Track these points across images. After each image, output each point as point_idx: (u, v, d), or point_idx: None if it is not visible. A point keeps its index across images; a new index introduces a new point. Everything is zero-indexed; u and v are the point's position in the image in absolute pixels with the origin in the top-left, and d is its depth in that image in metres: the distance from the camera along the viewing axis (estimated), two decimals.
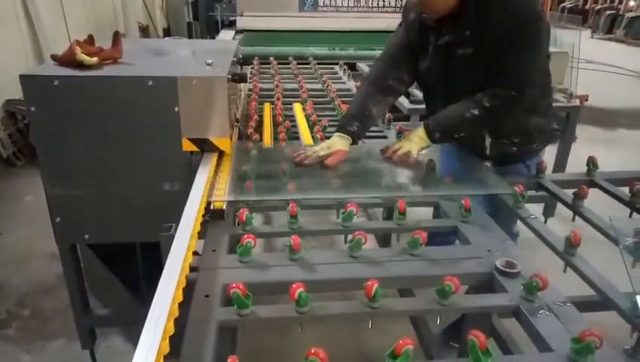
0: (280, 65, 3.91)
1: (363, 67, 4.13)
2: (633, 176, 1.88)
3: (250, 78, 3.40)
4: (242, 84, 3.15)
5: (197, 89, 1.68)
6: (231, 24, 6.39)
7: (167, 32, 10.83)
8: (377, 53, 4.32)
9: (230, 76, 1.81)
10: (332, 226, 1.51)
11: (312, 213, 1.91)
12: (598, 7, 16.61)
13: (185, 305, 1.06)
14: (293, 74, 3.60)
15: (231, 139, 1.84)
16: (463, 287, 1.16)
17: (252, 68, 3.76)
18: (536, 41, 1.66)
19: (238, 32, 5.89)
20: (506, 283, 1.21)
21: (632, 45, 13.90)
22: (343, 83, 3.47)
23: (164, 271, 1.09)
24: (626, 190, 1.76)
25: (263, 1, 6.37)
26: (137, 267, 2.05)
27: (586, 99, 5.60)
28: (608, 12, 15.71)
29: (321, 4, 6.45)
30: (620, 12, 15.36)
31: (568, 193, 1.74)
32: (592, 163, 1.88)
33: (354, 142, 1.85)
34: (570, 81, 6.02)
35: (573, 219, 1.67)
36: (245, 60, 4.07)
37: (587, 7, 17.49)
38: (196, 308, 1.09)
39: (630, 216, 1.68)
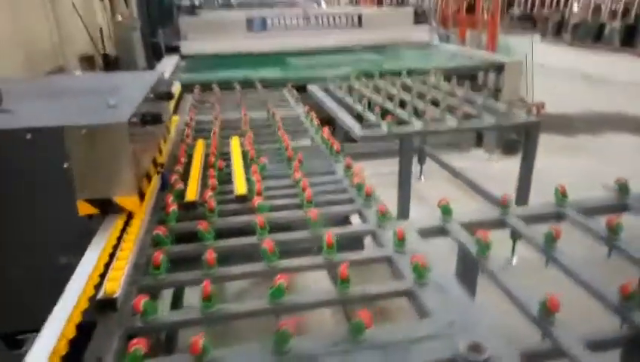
0: (225, 92, 3.64)
1: (314, 90, 3.90)
2: (607, 204, 1.68)
3: (190, 110, 3.11)
4: (176, 117, 2.86)
5: (90, 139, 1.38)
6: (177, 49, 6.05)
7: (116, 62, 10.38)
8: (329, 73, 4.17)
9: (135, 119, 1.51)
10: (259, 306, 1.22)
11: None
12: (546, 12, 17.13)
13: None
14: (236, 102, 3.32)
15: (141, 195, 1.53)
16: None
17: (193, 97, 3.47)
18: None
19: (183, 57, 5.59)
20: None
21: (580, 47, 14.35)
22: (291, 109, 3.22)
23: None
24: (601, 220, 1.54)
25: (209, 25, 6.10)
26: None
27: (543, 107, 5.55)
28: (555, 17, 16.23)
29: (269, 24, 6.23)
30: (566, 16, 15.88)
31: (539, 229, 1.51)
32: (560, 192, 1.66)
33: None
34: (527, 90, 5.99)
35: (546, 265, 1.44)
36: (187, 88, 3.78)
37: (535, 12, 18.04)
38: None
39: (609, 255, 1.47)
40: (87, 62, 8.71)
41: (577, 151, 5.67)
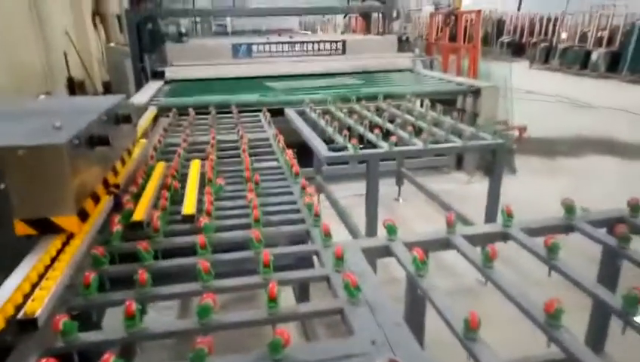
0: (200, 116, 3.67)
1: (290, 113, 3.94)
2: (552, 225, 1.69)
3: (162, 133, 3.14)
4: (143, 140, 2.87)
5: (27, 161, 1.38)
6: (162, 74, 6.12)
7: (108, 86, 10.49)
8: (306, 98, 4.21)
9: (78, 141, 1.52)
10: (186, 325, 1.20)
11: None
12: (534, 40, 17.51)
13: None
14: (208, 125, 3.35)
15: (83, 216, 1.53)
16: None
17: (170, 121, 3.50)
18: None
19: (167, 82, 5.66)
20: None
21: (567, 73, 14.62)
22: (264, 131, 3.25)
23: None
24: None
25: (195, 51, 6.20)
26: None
27: (525, 130, 5.60)
28: (543, 44, 16.57)
29: (255, 50, 6.34)
30: (554, 44, 16.22)
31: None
32: (506, 213, 1.67)
33: None
34: (507, 113, 6.06)
35: (485, 283, 1.43)
36: (166, 112, 3.82)
37: (524, 40, 18.46)
38: None
39: (549, 274, 1.46)
40: (80, 88, 8.80)
41: (558, 172, 5.70)
